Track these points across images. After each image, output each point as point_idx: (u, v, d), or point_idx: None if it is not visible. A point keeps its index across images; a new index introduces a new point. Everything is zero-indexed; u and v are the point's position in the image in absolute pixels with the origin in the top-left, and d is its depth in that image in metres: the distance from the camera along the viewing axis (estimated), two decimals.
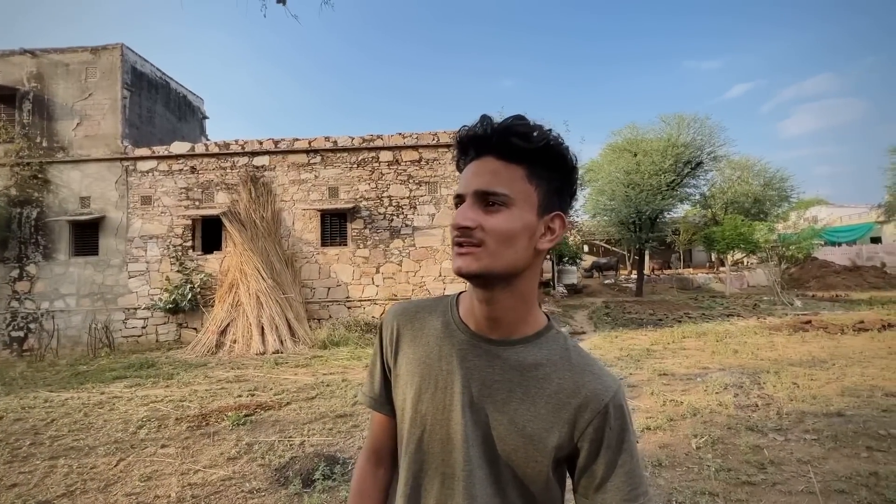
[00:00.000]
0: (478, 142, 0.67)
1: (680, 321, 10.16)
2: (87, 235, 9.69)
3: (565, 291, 17.24)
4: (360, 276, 9.59)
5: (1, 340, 9.46)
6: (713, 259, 23.14)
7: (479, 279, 0.66)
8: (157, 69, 11.09)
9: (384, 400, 0.80)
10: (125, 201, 9.65)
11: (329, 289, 9.59)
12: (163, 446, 3.82)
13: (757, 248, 16.16)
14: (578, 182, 0.71)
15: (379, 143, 9.76)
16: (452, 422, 0.69)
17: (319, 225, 9.69)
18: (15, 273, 9.59)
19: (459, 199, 0.67)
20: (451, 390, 0.69)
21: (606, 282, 20.34)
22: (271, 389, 5.57)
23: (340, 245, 9.72)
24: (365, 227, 9.66)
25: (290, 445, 3.73)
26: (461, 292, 0.77)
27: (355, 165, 9.76)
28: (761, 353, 6.52)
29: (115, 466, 3.47)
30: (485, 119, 0.66)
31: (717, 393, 4.69)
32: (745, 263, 21.46)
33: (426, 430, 0.71)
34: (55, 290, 9.56)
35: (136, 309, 9.45)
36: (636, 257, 19.03)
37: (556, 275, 17.91)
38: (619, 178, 16.59)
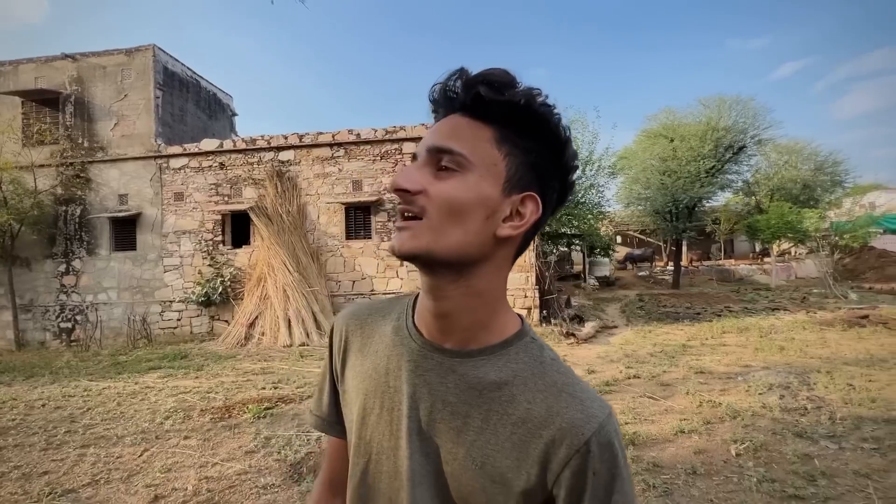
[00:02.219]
0: (446, 97, 0.52)
1: (720, 315, 9.61)
2: (125, 231, 10.12)
3: (597, 284, 16.75)
4: (384, 269, 9.57)
5: (52, 331, 10.06)
6: (757, 249, 21.87)
7: (417, 261, 0.50)
8: (188, 68, 11.38)
9: (334, 420, 0.66)
10: (159, 198, 10.00)
11: (354, 282, 9.62)
12: (185, 438, 3.88)
13: (806, 236, 15.08)
14: (574, 167, 0.54)
15: (402, 134, 9.66)
16: (400, 452, 0.54)
17: (344, 218, 9.72)
18: (62, 268, 10.15)
19: (413, 160, 0.53)
20: (400, 412, 0.55)
21: (641, 274, 19.62)
22: (294, 382, 5.61)
23: (365, 238, 9.73)
24: (389, 220, 9.61)
25: (307, 440, 3.70)
26: (419, 292, 0.61)
27: (378, 158, 9.70)
28: (811, 351, 6.02)
29: (139, 457, 3.55)
30: (458, 71, 0.51)
31: (760, 394, 4.33)
32: (793, 254, 20.16)
33: (371, 460, 0.57)
34: (98, 283, 10.06)
35: (171, 302, 9.81)
36: (673, 248, 18.21)
37: (587, 266, 17.42)
38: (655, 166, 15.87)
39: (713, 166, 15.44)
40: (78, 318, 10.00)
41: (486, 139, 0.50)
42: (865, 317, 7.73)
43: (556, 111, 0.52)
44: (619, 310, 11.26)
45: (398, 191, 0.50)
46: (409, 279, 9.50)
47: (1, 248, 9.67)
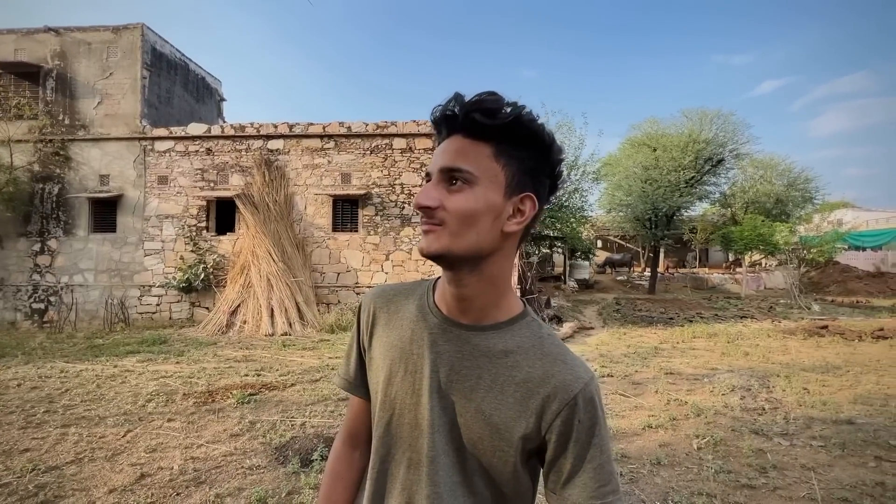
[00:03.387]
0: (447, 120, 0.64)
1: (691, 321, 10.00)
2: (105, 213, 9.90)
3: (576, 286, 17.11)
4: (369, 262, 9.63)
5: (23, 311, 9.79)
6: (730, 259, 22.65)
7: (441, 260, 0.64)
8: (177, 50, 11.17)
9: (359, 383, 0.79)
10: (143, 180, 9.82)
11: (339, 274, 9.66)
12: (169, 420, 3.92)
13: (776, 249, 15.77)
14: (560, 161, 0.67)
15: (393, 129, 9.72)
16: (420, 406, 0.67)
17: (331, 210, 9.73)
18: (37, 247, 9.88)
19: (428, 178, 0.65)
20: (421, 374, 0.68)
21: (619, 278, 20.10)
22: (277, 370, 5.66)
23: (351, 231, 9.76)
24: (376, 214, 9.67)
25: (292, 425, 3.79)
26: (439, 277, 0.74)
27: (368, 152, 9.74)
28: (773, 357, 6.38)
29: (122, 437, 3.58)
30: (455, 97, 0.64)
31: (723, 394, 4.61)
32: (763, 265, 20.96)
33: (395, 413, 0.69)
34: (74, 264, 9.82)
35: (150, 286, 9.66)
36: (650, 254, 18.74)
37: (567, 269, 17.78)
38: (637, 174, 16.29)
39: (693, 177, 15.96)
40: (52, 299, 9.75)
41: (486, 155, 0.63)
42: (825, 327, 8.19)
43: (539, 120, 0.64)
44: (596, 312, 11.57)
45: (422, 208, 0.62)
46: (393, 273, 9.59)
47: None
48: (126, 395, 4.58)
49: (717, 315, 10.87)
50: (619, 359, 6.32)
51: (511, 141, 0.63)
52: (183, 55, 11.42)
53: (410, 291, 0.76)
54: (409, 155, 9.69)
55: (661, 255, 19.61)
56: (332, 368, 5.72)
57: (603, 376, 5.40)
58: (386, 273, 9.61)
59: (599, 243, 25.79)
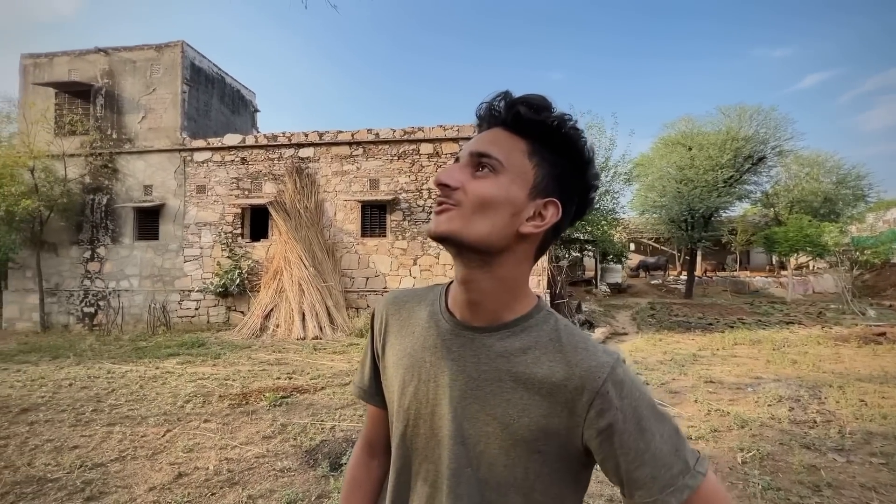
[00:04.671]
0: (491, 114, 0.63)
1: (732, 326, 9.53)
2: (149, 221, 10.42)
3: (608, 290, 16.67)
4: (397, 267, 9.70)
5: (75, 315, 10.41)
6: (774, 262, 21.52)
7: (448, 243, 0.60)
8: (214, 65, 11.67)
9: (374, 391, 0.77)
10: (182, 190, 10.28)
11: (368, 279, 9.78)
12: (205, 421, 4.04)
13: (825, 251, 14.82)
14: (594, 186, 0.64)
15: (420, 135, 9.79)
16: (437, 417, 0.64)
17: (360, 216, 9.88)
18: (87, 254, 10.50)
19: (456, 161, 0.63)
20: (436, 383, 0.64)
21: (653, 282, 19.46)
22: (308, 374, 5.76)
23: (380, 236, 9.87)
24: (404, 219, 9.74)
25: (322, 429, 3.83)
26: (452, 281, 0.71)
27: (396, 157, 9.84)
28: (824, 366, 5.97)
29: (162, 437, 3.71)
30: (503, 93, 0.62)
31: (769, 405, 4.34)
32: (811, 268, 19.80)
33: (409, 425, 0.66)
34: (121, 270, 10.38)
35: (190, 291, 10.08)
36: (687, 257, 18.05)
37: (599, 273, 17.35)
38: (671, 174, 15.76)
39: (731, 176, 15.27)
40: (101, 303, 10.32)
41: (520, 150, 0.60)
42: (882, 334, 7.61)
43: (583, 135, 0.62)
44: (629, 317, 11.22)
45: (440, 185, 0.60)
46: (421, 278, 9.61)
47: (31, 234, 10.04)
48: (166, 396, 4.76)
49: (760, 321, 10.32)
50: (655, 366, 6.08)
51: (549, 143, 0.61)
52: (219, 69, 11.92)
53: (422, 297, 0.73)
54: (435, 160, 9.73)
55: (699, 258, 18.84)
56: None
57: None
58: (414, 277, 9.65)
59: (632, 246, 25.08)
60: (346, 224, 9.90)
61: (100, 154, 10.42)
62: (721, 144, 14.94)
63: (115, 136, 10.55)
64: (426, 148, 9.77)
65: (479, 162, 0.60)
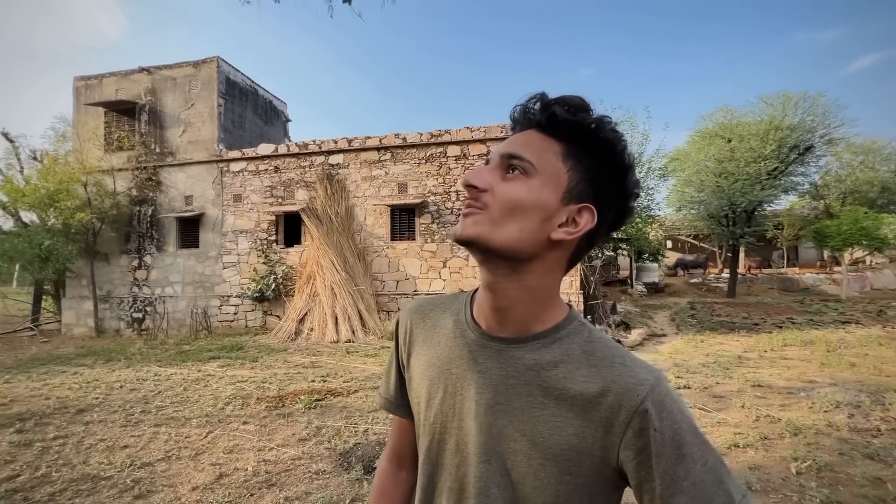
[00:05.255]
0: (525, 115, 0.60)
1: (781, 326, 9.00)
2: (190, 230, 10.91)
3: (645, 290, 16.14)
4: (427, 269, 9.73)
5: (125, 320, 11.01)
6: (825, 257, 20.22)
7: (474, 248, 0.57)
8: (248, 78, 12.11)
9: (399, 402, 0.74)
10: (220, 199, 10.71)
11: (398, 282, 9.85)
12: (244, 423, 4.16)
13: (885, 244, 13.80)
14: (634, 194, 0.60)
15: (447, 137, 9.79)
16: (464, 432, 0.61)
17: (389, 220, 9.98)
18: (135, 263, 11.10)
19: (486, 163, 0.61)
20: (463, 396, 0.61)
21: (693, 280, 18.69)
22: (341, 377, 5.85)
23: (409, 239, 9.93)
24: (433, 222, 9.76)
25: (355, 432, 3.86)
26: (478, 288, 0.68)
27: (423, 161, 9.89)
28: (887, 368, 5.53)
29: (204, 437, 3.84)
30: (538, 94, 0.59)
31: (825, 411, 4.05)
32: (869, 263, 18.47)
33: (435, 438, 0.64)
34: (165, 278, 10.91)
35: (229, 297, 10.46)
36: (729, 254, 17.22)
37: (634, 272, 16.82)
38: (710, 167, 15.11)
39: (776, 168, 14.48)
40: (148, 309, 10.88)
41: (554, 152, 0.57)
42: None
43: (623, 139, 0.58)
44: (668, 317, 10.80)
45: (468, 186, 0.57)
46: (451, 280, 9.60)
47: (85, 244, 10.71)
48: (208, 398, 4.94)
49: (812, 320, 9.69)
50: (697, 369, 5.81)
51: (586, 146, 0.57)
52: (252, 82, 12.36)
53: (447, 305, 0.70)
54: (463, 162, 9.70)
55: (742, 255, 17.95)
56: None
57: (679, 388, 4.97)
58: (444, 280, 9.65)
59: (669, 244, 24.20)
60: (376, 228, 10.02)
61: (144, 168, 11.01)
62: (763, 135, 14.19)
63: (158, 149, 11.11)
64: (453, 150, 9.77)
65: (510, 164, 0.57)
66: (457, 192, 9.72)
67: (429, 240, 9.75)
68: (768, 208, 16.79)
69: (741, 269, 17.76)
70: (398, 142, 9.99)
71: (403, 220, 10.03)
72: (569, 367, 0.57)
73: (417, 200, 9.75)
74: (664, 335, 8.64)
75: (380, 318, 9.33)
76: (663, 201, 18.06)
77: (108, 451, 3.59)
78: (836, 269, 17.24)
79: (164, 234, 10.98)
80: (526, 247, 0.56)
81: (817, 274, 17.38)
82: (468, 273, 9.54)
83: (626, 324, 9.18)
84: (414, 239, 9.90)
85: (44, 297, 12.38)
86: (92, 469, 3.26)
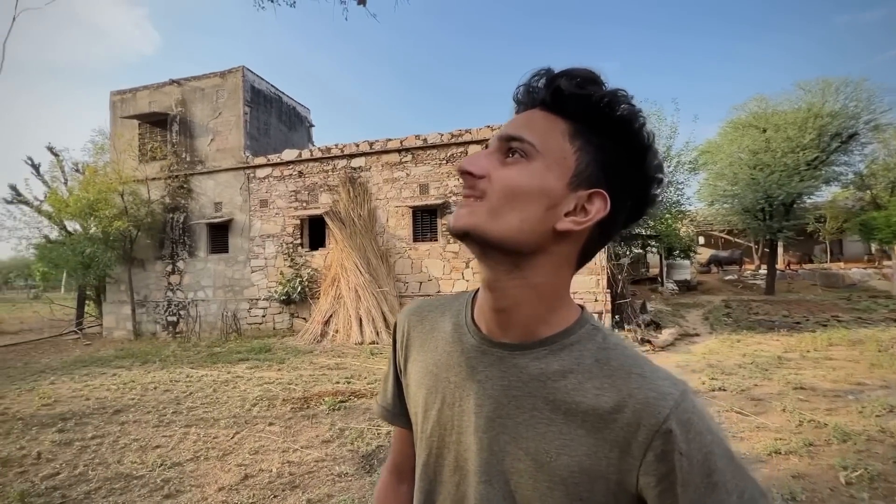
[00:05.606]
0: (528, 94, 0.54)
1: (825, 325, 8.50)
2: (219, 235, 11.25)
3: (676, 288, 15.60)
4: (450, 270, 9.69)
5: (161, 324, 11.45)
6: (873, 251, 19.04)
7: (470, 241, 0.51)
8: (272, 85, 12.40)
9: (398, 411, 0.69)
10: (247, 205, 10.99)
11: (421, 283, 9.85)
12: (270, 424, 4.22)
13: None
14: (656, 179, 0.53)
15: (467, 137, 9.73)
16: (463, 447, 0.55)
17: (411, 221, 9.99)
18: (169, 268, 11.52)
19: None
20: (462, 408, 0.55)
21: (727, 278, 17.96)
22: (365, 378, 5.87)
23: (431, 241, 9.92)
24: None
25: (378, 434, 3.85)
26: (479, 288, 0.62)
27: (444, 161, 9.86)
28: None
29: (231, 438, 3.92)
30: (542, 70, 0.53)
31: (877, 416, 3.77)
32: None
33: (432, 453, 0.58)
34: (197, 282, 11.27)
35: (257, 300, 10.72)
36: (766, 250, 16.45)
37: (664, 270, 16.29)
38: (743, 159, 14.47)
39: (816, 157, 13.72)
40: (181, 312, 11.27)
41: (560, 132, 0.50)
42: None
43: (640, 114, 0.51)
44: (701, 316, 10.39)
45: (464, 173, 0.51)
46: (474, 281, 9.52)
47: (123, 251, 11.19)
48: (236, 400, 5.04)
49: (860, 318, 9.12)
50: (733, 370, 5.53)
51: (597, 124, 0.50)
52: (276, 89, 12.64)
53: (447, 306, 0.65)
54: None
55: (780, 250, 17.11)
56: None
57: (713, 390, 4.75)
58: (466, 281, 9.58)
59: (701, 240, 23.35)
60: (399, 230, 10.05)
61: (176, 176, 11.42)
62: (802, 123, 13.48)
63: (188, 158, 11.51)
64: (474, 149, 9.69)
65: (510, 147, 0.51)
66: None
67: (451, 241, 9.70)
68: (808, 200, 15.93)
69: (780, 265, 16.92)
70: (419, 143, 10.00)
71: (425, 221, 10.02)
72: (579, 377, 0.50)
73: (439, 201, 9.72)
74: (697, 335, 8.30)
75: None
76: (694, 196, 17.48)
77: (141, 450, 3.70)
78: (886, 263, 16.19)
79: (196, 239, 11.35)
80: (528, 239, 0.50)
81: (865, 269, 16.37)
82: None
83: (657, 323, 8.88)
84: (436, 240, 9.88)
85: (86, 301, 13.01)
86: (125, 468, 3.36)
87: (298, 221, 10.64)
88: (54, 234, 12.34)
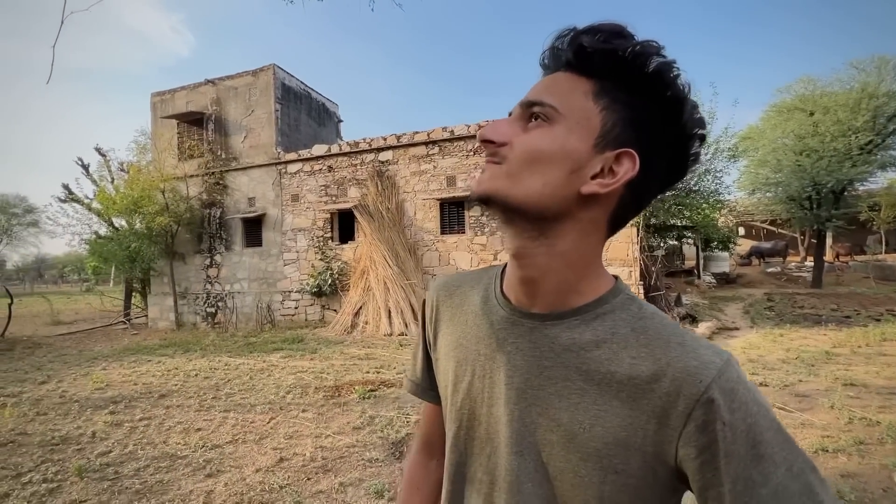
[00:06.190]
0: (554, 57, 0.51)
1: (879, 319, 7.99)
2: (253, 230, 11.63)
3: (714, 281, 15.00)
4: (477, 262, 9.66)
5: (201, 315, 11.97)
6: None
7: (491, 205, 0.49)
8: (301, 82, 12.64)
9: (427, 386, 0.69)
10: (279, 199, 11.29)
11: None
12: (303, 411, 4.35)
13: None
14: (695, 135, 0.49)
15: None
16: (493, 419, 0.54)
17: (439, 214, 10.01)
18: (207, 261, 12.02)
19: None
20: (492, 380, 0.55)
21: (770, 270, 17.12)
22: (394, 368, 5.95)
23: (459, 233, 9.91)
24: (482, 215, 9.66)
25: (407, 422, 3.90)
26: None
27: (471, 153, 9.80)
28: None
29: (267, 423, 4.06)
30: (566, 29, 0.50)
31: None
32: None
33: (462, 425, 0.58)
34: (234, 275, 11.71)
35: (290, 292, 11.04)
36: (812, 240, 15.55)
37: (701, 262, 15.68)
38: (788, 145, 13.69)
39: (870, 141, 12.83)
40: (219, 304, 11.76)
41: (583, 92, 0.48)
42: None
43: (674, 66, 0.47)
44: (741, 310, 9.96)
45: (484, 141, 0.50)
46: None
47: (165, 246, 11.75)
48: (271, 387, 5.22)
49: None
50: (776, 365, 5.28)
51: (625, 80, 0.47)
52: (306, 86, 12.87)
53: (476, 280, 0.64)
54: None
55: (828, 241, 16.13)
56: None
57: (756, 385, 4.54)
58: None
59: (741, 231, 22.33)
60: (426, 223, 10.09)
61: (212, 173, 11.86)
62: (854, 105, 12.60)
63: (223, 155, 11.92)
64: None
65: (531, 112, 0.49)
66: None
67: (479, 233, 9.67)
68: (861, 187, 14.92)
69: (828, 257, 15.97)
70: (446, 135, 9.97)
71: (453, 213, 10.01)
72: (613, 346, 0.48)
73: (466, 193, 9.68)
74: (736, 328, 7.97)
75: None
76: (734, 184, 16.60)
77: (185, 432, 3.89)
78: None
79: (232, 234, 11.77)
80: (552, 203, 0.48)
81: None
82: None
83: (693, 317, 8.58)
84: (464, 232, 9.86)
85: (133, 293, 13.76)
86: (170, 448, 3.55)
87: (328, 215, 10.85)
88: (103, 230, 13.08)
